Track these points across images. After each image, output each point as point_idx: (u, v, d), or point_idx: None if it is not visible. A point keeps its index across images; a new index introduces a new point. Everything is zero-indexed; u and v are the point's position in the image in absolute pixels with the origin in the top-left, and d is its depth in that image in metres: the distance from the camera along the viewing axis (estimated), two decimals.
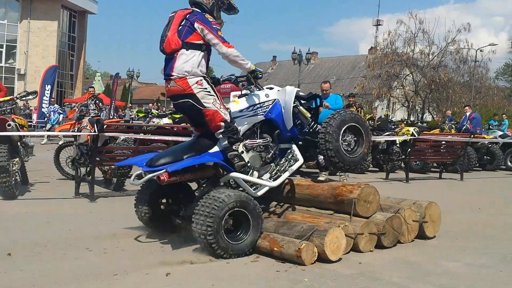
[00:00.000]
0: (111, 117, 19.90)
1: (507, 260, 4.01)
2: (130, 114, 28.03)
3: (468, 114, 14.30)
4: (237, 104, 4.51)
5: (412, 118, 32.70)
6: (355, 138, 4.73)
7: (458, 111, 26.92)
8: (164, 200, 4.56)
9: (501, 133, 15.24)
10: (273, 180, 4.39)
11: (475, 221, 5.80)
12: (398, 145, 11.52)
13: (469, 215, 6.18)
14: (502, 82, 60.14)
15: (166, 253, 4.01)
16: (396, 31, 33.01)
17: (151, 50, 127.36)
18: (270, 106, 4.55)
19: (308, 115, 4.80)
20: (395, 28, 33.21)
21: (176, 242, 4.27)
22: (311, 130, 4.77)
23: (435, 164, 11.83)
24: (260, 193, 4.29)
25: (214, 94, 4.21)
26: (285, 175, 4.49)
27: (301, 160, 4.56)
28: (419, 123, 20.70)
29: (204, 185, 4.50)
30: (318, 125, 4.74)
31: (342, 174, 9.58)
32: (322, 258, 3.76)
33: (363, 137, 4.75)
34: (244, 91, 4.65)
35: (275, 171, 4.46)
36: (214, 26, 4.18)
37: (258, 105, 4.52)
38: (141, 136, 7.53)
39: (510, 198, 8.03)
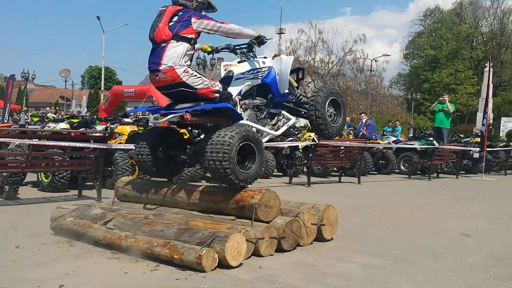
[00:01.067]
0: (5, 121, 18.67)
1: (399, 261, 4.24)
2: (26, 118, 26.40)
3: (364, 120, 15.12)
4: (239, 67, 5.01)
5: None
6: (335, 111, 5.42)
7: (356, 117, 28.38)
8: (160, 149, 4.98)
9: (394, 138, 16.26)
10: (275, 131, 5.50)
11: (370, 222, 6.10)
12: (300, 150, 11.91)
13: (365, 217, 6.48)
14: (395, 91, 64.35)
15: (59, 263, 3.79)
16: (297, 40, 34.21)
17: (49, 51, 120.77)
18: (266, 72, 5.07)
19: (295, 85, 5.40)
20: (297, 36, 34.42)
21: (72, 252, 4.07)
22: (295, 99, 5.41)
23: (335, 168, 12.34)
24: (264, 140, 4.95)
25: (200, 75, 4.58)
26: (284, 128, 5.71)
27: (293, 119, 5.51)
28: None
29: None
30: (303, 96, 5.47)
31: None
32: (223, 264, 3.75)
33: (341, 109, 5.48)
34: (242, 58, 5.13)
35: (273, 126, 5.47)
36: (208, 17, 4.65)
37: (257, 70, 5.04)
38: (35, 141, 7.10)
39: (403, 200, 8.54)
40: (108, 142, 7.71)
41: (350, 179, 11.52)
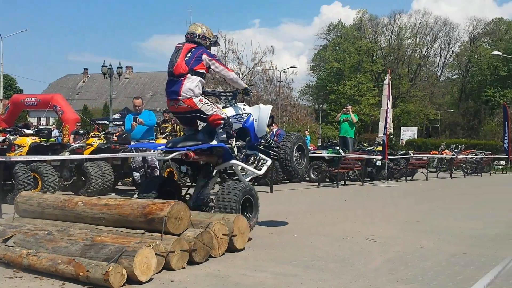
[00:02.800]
0: None
1: (309, 267, 4.30)
2: None
3: (274, 130, 15.36)
4: (225, 111, 5.65)
5: None
6: (300, 155, 6.21)
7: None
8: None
9: None
10: (258, 170, 5.90)
11: (282, 230, 6.17)
12: None
13: (277, 225, 6.55)
14: (304, 101, 66.45)
15: None
16: None
17: None
18: (246, 117, 5.78)
19: (268, 130, 6.24)
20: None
21: None
22: (266, 143, 6.22)
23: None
24: (247, 179, 5.73)
25: (210, 103, 5.41)
26: (264, 168, 6.02)
27: (270, 160, 6.11)
28: None
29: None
30: (272, 140, 6.46)
31: None
32: (133, 280, 3.60)
33: (305, 153, 6.30)
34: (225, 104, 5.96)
35: (255, 166, 5.88)
36: (217, 58, 5.61)
37: (239, 115, 5.75)
38: None
39: (313, 208, 8.74)
40: (7, 154, 7.19)
41: (262, 188, 11.62)
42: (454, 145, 23.63)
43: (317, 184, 13.82)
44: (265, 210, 7.99)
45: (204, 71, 5.38)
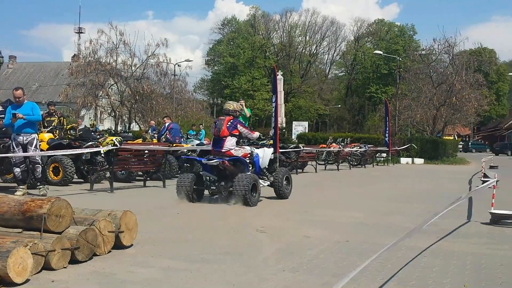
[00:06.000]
0: None
1: (198, 261, 4.26)
2: None
3: (167, 124, 15.12)
4: (244, 149, 8.68)
5: (120, 128, 32.97)
6: (287, 182, 9.22)
7: (162, 121, 28.32)
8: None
9: (198, 142, 16.64)
10: (265, 183, 8.95)
11: (172, 225, 6.07)
12: (102, 155, 11.34)
13: (168, 220, 6.43)
14: (199, 95, 66.27)
15: None
16: (98, 41, 32.84)
17: None
18: (255, 155, 8.77)
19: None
20: (97, 37, 33.04)
21: None
22: (265, 171, 9.14)
23: (140, 173, 12.09)
24: (263, 185, 8.87)
25: (239, 148, 8.52)
26: (268, 182, 9.00)
27: (268, 182, 9.04)
28: (126, 133, 20.95)
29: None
30: (266, 170, 9.18)
31: (41, 186, 8.92)
32: (7, 282, 3.33)
33: (290, 182, 9.37)
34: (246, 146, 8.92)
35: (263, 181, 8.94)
36: (245, 126, 9.01)
37: (250, 153, 8.73)
38: None
39: (205, 202, 8.70)
40: None
41: (155, 183, 11.39)
42: (341, 139, 24.89)
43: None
44: (156, 206, 7.85)
45: (237, 133, 8.47)
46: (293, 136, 38.45)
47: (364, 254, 4.55)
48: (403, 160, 27.42)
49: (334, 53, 72.67)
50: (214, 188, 8.46)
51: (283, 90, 48.07)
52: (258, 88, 61.44)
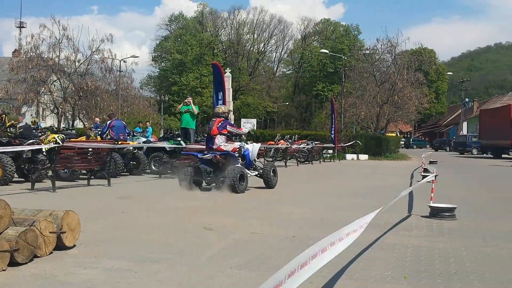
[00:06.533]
0: None
1: (144, 261, 4.19)
2: None
3: (108, 122, 14.78)
4: (233, 144, 10.28)
5: (63, 125, 31.93)
6: (274, 175, 10.83)
7: (106, 118, 27.66)
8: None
9: (144, 139, 16.37)
10: (253, 173, 10.60)
11: (118, 225, 5.93)
12: (44, 153, 10.94)
13: (113, 219, 6.29)
14: (146, 92, 65.25)
15: None
16: (40, 35, 31.70)
17: None
18: (244, 149, 10.42)
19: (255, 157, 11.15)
20: (39, 32, 31.89)
21: None
22: (253, 164, 10.82)
23: (84, 171, 11.76)
24: (251, 175, 10.54)
25: (228, 143, 10.11)
26: (255, 172, 10.67)
27: (256, 172, 10.70)
28: (69, 130, 20.31)
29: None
30: (254, 163, 10.85)
31: None
32: None
33: (276, 174, 10.98)
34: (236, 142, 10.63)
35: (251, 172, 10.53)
36: (234, 126, 10.79)
37: (241, 148, 10.38)
38: None
39: (152, 200, 8.58)
40: None
41: (100, 181, 11.12)
42: (289, 136, 25.18)
43: (158, 175, 13.66)
44: (101, 205, 7.67)
45: (226, 133, 10.16)
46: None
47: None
48: (349, 156, 28.08)
49: (281, 51, 73.47)
50: (210, 178, 10.08)
51: (232, 87, 48.07)
52: (206, 85, 61.13)
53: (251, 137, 31.74)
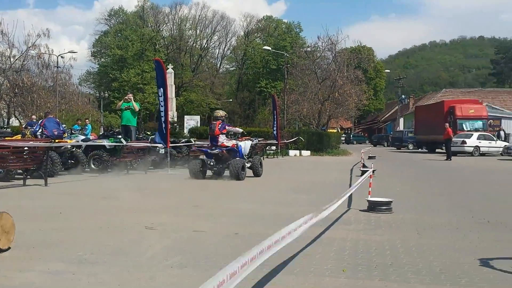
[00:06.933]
0: None
1: (82, 262, 4.09)
2: None
3: (40, 121, 14.24)
4: (230, 141, 12.32)
5: None
6: (260, 165, 13.25)
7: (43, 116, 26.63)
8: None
9: (83, 137, 15.90)
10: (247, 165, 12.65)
11: (55, 226, 5.74)
12: None
13: (50, 220, 6.08)
14: (85, 89, 63.36)
15: None
16: None
17: None
18: (239, 145, 12.34)
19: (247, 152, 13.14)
20: None
21: None
22: (246, 157, 12.86)
23: (19, 171, 11.28)
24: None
25: (229, 140, 12.29)
26: (248, 164, 12.67)
27: (249, 163, 12.87)
28: (3, 128, 19.45)
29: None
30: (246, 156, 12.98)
31: None
32: None
33: (262, 165, 13.57)
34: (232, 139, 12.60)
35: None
36: (231, 125, 15.13)
37: (237, 144, 12.35)
38: None
39: (92, 199, 8.37)
40: None
41: (36, 181, 10.70)
42: (232, 133, 25.19)
43: (97, 174, 13.31)
44: (37, 205, 7.39)
45: (226, 132, 12.30)
46: (185, 131, 38.21)
47: (252, 246, 4.64)
48: (292, 152, 28.49)
49: (225, 47, 73.33)
50: (216, 169, 12.39)
51: (174, 83, 47.54)
52: (148, 81, 60.08)
53: (195, 134, 31.55)
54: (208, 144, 13.27)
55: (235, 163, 11.74)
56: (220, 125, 12.27)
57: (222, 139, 12.20)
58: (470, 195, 9.83)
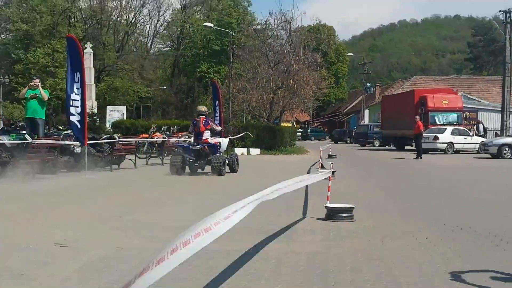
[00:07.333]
0: None
1: None
2: None
3: None
4: (215, 139, 15.88)
5: None
6: (237, 162, 16.31)
7: None
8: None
9: None
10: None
11: None
12: None
13: None
14: None
15: None
16: None
17: None
18: (218, 142, 15.70)
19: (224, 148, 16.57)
20: None
21: None
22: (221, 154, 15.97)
23: None
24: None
25: (212, 138, 15.62)
26: (226, 161, 15.51)
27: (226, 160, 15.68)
28: None
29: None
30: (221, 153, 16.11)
31: None
32: None
33: (238, 161, 16.60)
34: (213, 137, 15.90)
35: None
36: (214, 122, 17.53)
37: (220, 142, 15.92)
38: None
39: None
40: None
41: None
42: (166, 127, 25.02)
43: None
44: None
45: (210, 128, 15.29)
46: (108, 124, 37.57)
47: (186, 261, 4.64)
48: (238, 150, 28.55)
49: (157, 23, 72.49)
50: (197, 165, 15.18)
51: (94, 67, 46.60)
52: (61, 63, 58.38)
53: (120, 129, 31.09)
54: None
55: (217, 159, 14.41)
56: (204, 121, 15.16)
57: (206, 135, 15.13)
58: (442, 199, 10.20)
